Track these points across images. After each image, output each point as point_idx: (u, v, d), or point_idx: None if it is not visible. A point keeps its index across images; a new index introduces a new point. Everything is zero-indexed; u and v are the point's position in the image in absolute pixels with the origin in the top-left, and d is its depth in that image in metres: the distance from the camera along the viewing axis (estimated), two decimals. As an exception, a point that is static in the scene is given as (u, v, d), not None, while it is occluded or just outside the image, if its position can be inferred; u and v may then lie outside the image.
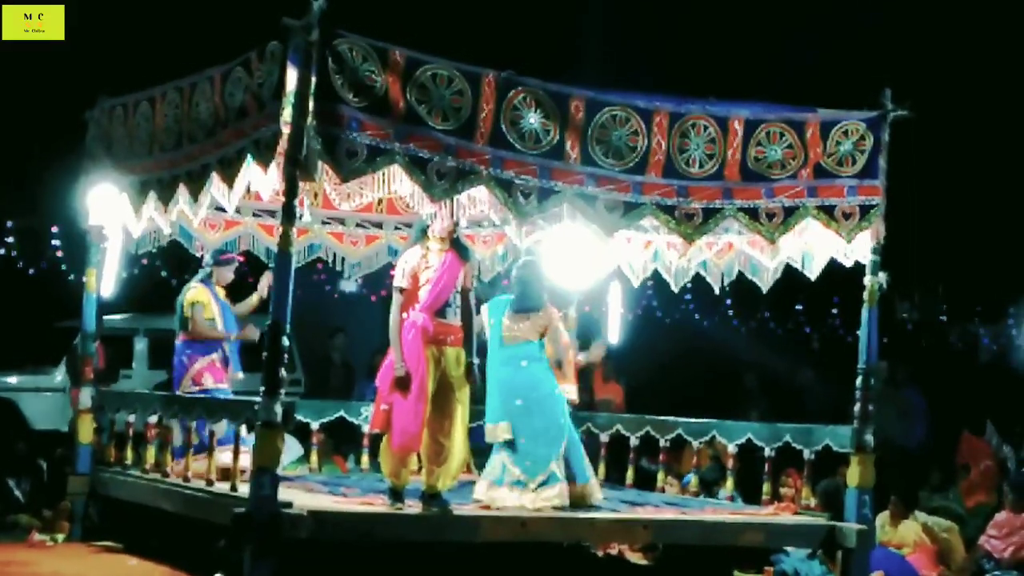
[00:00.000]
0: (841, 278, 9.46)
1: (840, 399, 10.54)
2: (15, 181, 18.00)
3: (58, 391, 15.91)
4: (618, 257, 10.33)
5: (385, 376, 8.11)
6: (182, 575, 8.60)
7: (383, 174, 8.02)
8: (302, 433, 10.61)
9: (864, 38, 17.93)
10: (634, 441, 10.45)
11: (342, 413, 10.45)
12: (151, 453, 9.46)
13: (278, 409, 7.44)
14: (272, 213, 10.07)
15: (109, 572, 8.86)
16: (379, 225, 11.13)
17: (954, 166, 18.24)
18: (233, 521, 7.43)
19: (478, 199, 8.68)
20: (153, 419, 9.42)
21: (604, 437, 10.66)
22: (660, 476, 10.47)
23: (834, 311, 21.15)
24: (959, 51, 18.15)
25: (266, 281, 9.72)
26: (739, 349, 19.82)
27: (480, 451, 9.23)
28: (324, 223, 10.97)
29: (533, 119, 8.03)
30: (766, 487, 9.55)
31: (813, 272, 9.45)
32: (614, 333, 11.18)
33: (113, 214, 9.69)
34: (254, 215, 10.58)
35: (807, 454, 9.21)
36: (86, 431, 9.97)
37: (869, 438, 8.78)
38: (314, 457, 10.51)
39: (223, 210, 9.70)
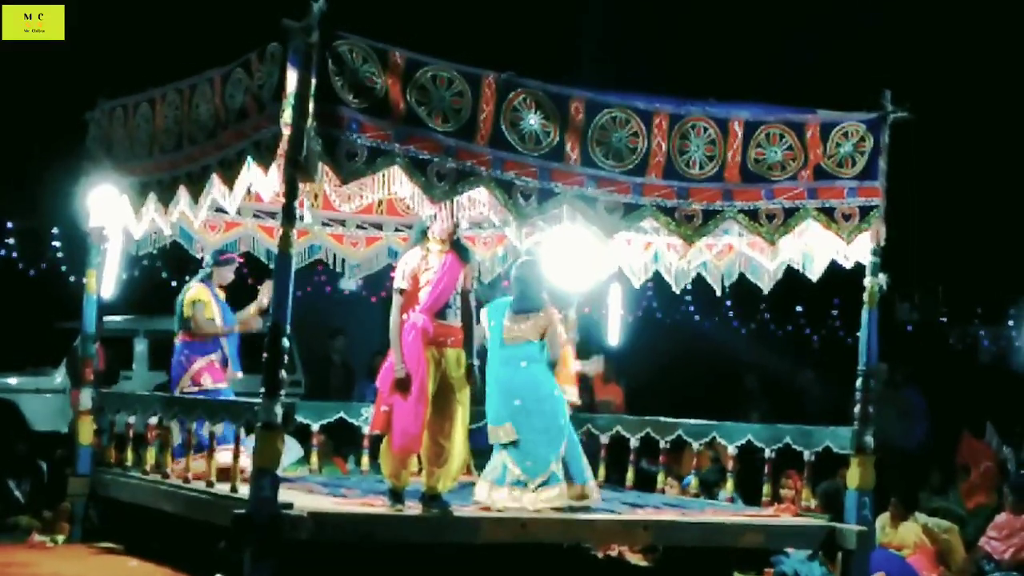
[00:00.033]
0: (841, 279, 9.46)
1: (840, 400, 10.56)
2: (15, 182, 18.00)
3: (58, 392, 15.92)
4: (618, 259, 10.33)
5: (385, 377, 8.11)
6: (182, 576, 8.63)
7: (383, 175, 8.03)
8: (302, 434, 10.61)
9: (864, 38, 17.93)
10: (634, 442, 10.45)
11: (342, 414, 10.44)
12: (151, 454, 9.46)
13: (278, 410, 7.45)
14: (272, 214, 10.07)
15: (109, 573, 8.86)
16: (379, 226, 11.13)
17: (954, 167, 18.24)
18: (233, 522, 7.44)
19: (478, 200, 8.68)
20: (153, 420, 9.42)
21: (604, 438, 10.66)
22: (660, 477, 10.46)
23: (834, 312, 21.16)
24: (959, 52, 18.15)
25: (266, 292, 9.71)
26: (739, 350, 19.83)
27: (480, 452, 9.23)
28: (324, 224, 10.97)
29: (533, 120, 8.03)
30: (766, 488, 9.55)
31: (814, 273, 9.45)
32: (614, 334, 11.18)
33: (113, 215, 9.69)
34: (254, 216, 10.58)
35: (807, 455, 9.21)
36: (86, 432, 9.97)
37: (869, 440, 8.78)
38: (314, 458, 10.51)
39: (224, 211, 9.70)
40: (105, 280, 10.09)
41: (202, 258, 10.40)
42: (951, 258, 19.15)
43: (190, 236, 10.37)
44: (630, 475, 10.50)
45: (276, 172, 7.82)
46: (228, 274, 10.29)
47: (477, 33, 15.87)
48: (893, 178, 8.82)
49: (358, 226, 11.08)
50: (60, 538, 9.94)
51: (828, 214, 8.75)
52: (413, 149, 7.69)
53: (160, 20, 17.05)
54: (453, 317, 8.21)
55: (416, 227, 8.52)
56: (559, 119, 8.09)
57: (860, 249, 8.93)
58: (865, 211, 8.77)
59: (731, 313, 21.28)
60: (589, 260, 9.57)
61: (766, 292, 10.03)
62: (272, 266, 8.10)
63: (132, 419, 9.93)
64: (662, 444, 10.23)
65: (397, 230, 11.05)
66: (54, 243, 18.72)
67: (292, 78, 7.48)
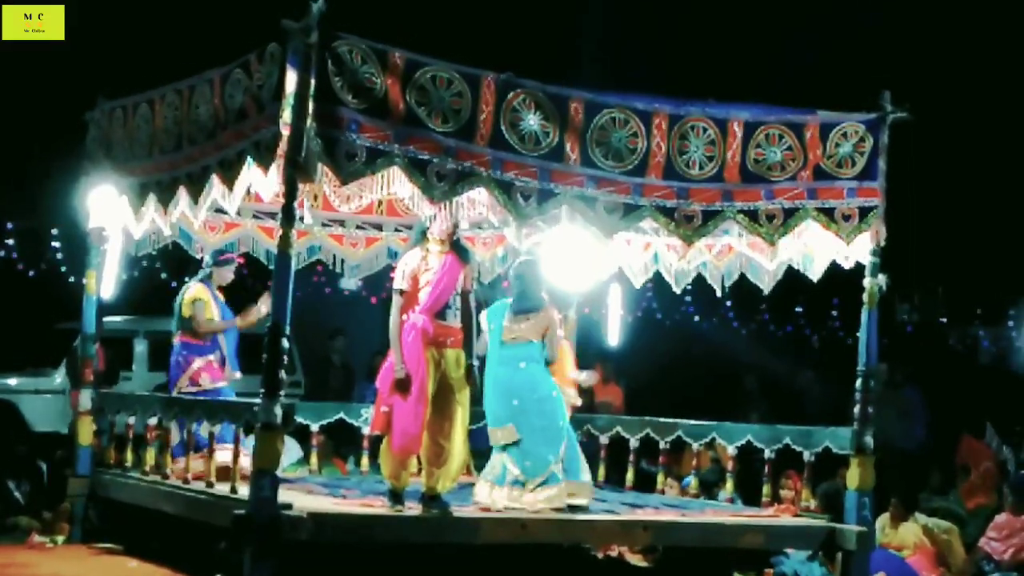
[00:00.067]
0: (841, 280, 9.46)
1: (840, 401, 10.56)
2: (15, 182, 18.00)
3: (58, 393, 15.93)
4: (618, 259, 10.33)
5: (385, 378, 8.11)
6: (182, 577, 8.63)
7: (383, 176, 8.02)
8: (302, 435, 10.61)
9: (864, 38, 17.93)
10: (634, 443, 10.45)
11: (342, 415, 10.44)
12: (151, 455, 9.46)
13: (278, 411, 7.45)
14: (272, 215, 10.07)
15: (109, 574, 8.86)
16: (379, 227, 11.13)
17: (954, 168, 18.24)
18: (233, 523, 7.44)
19: (477, 201, 8.68)
20: (153, 421, 9.42)
21: (604, 439, 10.67)
22: (660, 478, 10.46)
23: (834, 313, 21.16)
24: (959, 52, 18.15)
25: (265, 301, 9.70)
26: (739, 351, 19.82)
27: (480, 453, 9.23)
28: (324, 225, 10.97)
29: (533, 121, 8.03)
30: (766, 489, 9.54)
31: (815, 274, 9.44)
32: (614, 335, 11.18)
33: (113, 216, 9.69)
34: (254, 217, 10.58)
35: (807, 456, 9.21)
36: (86, 433, 9.97)
37: (869, 440, 8.78)
38: (314, 459, 10.50)
39: (223, 212, 9.70)
40: (105, 280, 10.08)
41: (201, 258, 10.40)
42: (951, 259, 19.15)
43: (189, 237, 10.37)
44: (630, 476, 10.50)
45: (276, 173, 7.82)
46: (228, 274, 10.30)
47: (476, 33, 15.87)
48: (893, 179, 8.81)
49: (358, 227, 11.08)
50: (60, 539, 9.94)
51: (828, 214, 8.75)
52: (413, 149, 7.68)
53: (160, 21, 17.05)
54: (453, 318, 8.21)
55: (416, 228, 8.51)
56: (558, 119, 8.09)
57: (860, 249, 8.93)
58: (865, 211, 8.76)
59: (731, 314, 21.28)
60: (589, 260, 9.57)
61: (766, 293, 10.03)
62: (272, 267, 8.10)
63: (132, 420, 9.93)
64: (662, 444, 10.23)
65: (397, 230, 11.05)
66: (54, 243, 18.73)
67: (291, 79, 7.47)
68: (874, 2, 17.91)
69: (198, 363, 9.96)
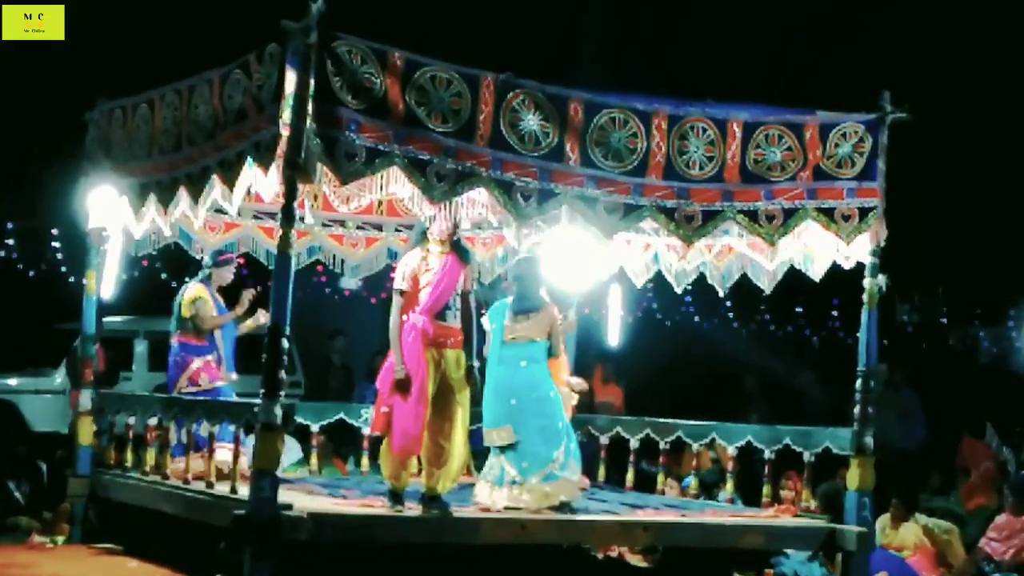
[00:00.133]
0: (841, 280, 9.46)
1: (840, 401, 10.56)
2: (15, 182, 18.00)
3: (58, 393, 15.93)
4: (618, 259, 10.33)
5: (385, 379, 8.11)
6: (182, 577, 8.63)
7: (382, 176, 8.03)
8: (302, 435, 10.61)
9: (864, 38, 17.93)
10: (634, 443, 10.44)
11: (342, 415, 10.42)
12: (151, 455, 9.46)
13: (278, 411, 7.44)
14: (272, 215, 10.06)
15: (109, 574, 8.86)
16: (379, 227, 11.13)
17: (954, 168, 18.25)
18: (233, 523, 7.44)
19: (477, 201, 8.68)
20: (153, 421, 9.42)
21: (604, 439, 10.66)
22: (660, 478, 10.46)
23: (834, 313, 21.16)
24: (958, 52, 18.15)
25: (264, 314, 9.68)
26: (739, 351, 19.83)
27: (480, 454, 9.22)
28: (325, 225, 10.97)
29: (532, 121, 8.03)
30: (766, 489, 9.54)
31: (815, 274, 9.44)
32: (614, 335, 11.18)
33: (113, 216, 9.69)
34: (254, 217, 10.58)
35: (807, 456, 9.20)
36: (86, 433, 9.97)
37: (869, 440, 8.77)
38: (314, 459, 10.50)
39: (223, 212, 9.70)
40: (105, 281, 10.08)
41: (201, 259, 10.40)
42: (951, 259, 19.16)
43: (189, 237, 10.37)
44: (630, 476, 10.49)
45: (276, 173, 7.81)
46: (227, 275, 10.30)
47: (476, 33, 15.87)
48: (892, 179, 8.82)
49: (358, 227, 11.09)
50: (60, 539, 9.94)
51: (827, 215, 8.75)
52: (412, 150, 7.68)
53: (159, 21, 17.05)
54: (453, 318, 8.21)
55: (416, 228, 8.51)
56: (558, 120, 8.09)
57: (860, 250, 8.93)
58: (864, 212, 8.76)
59: (731, 314, 21.28)
60: (589, 261, 9.57)
61: (767, 293, 10.02)
62: (272, 267, 8.10)
63: (132, 420, 9.93)
64: (662, 445, 10.23)
65: (397, 231, 11.06)
66: (54, 244, 18.71)
67: (291, 79, 7.47)
68: (874, 2, 17.91)
69: (197, 363, 9.97)
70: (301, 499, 8.10)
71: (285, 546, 7.41)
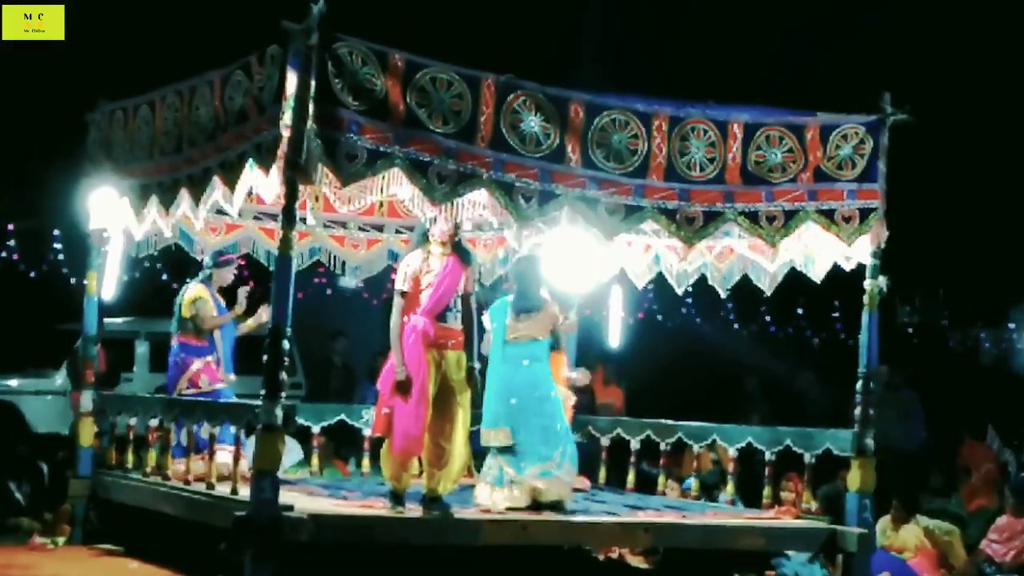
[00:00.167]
0: (842, 282, 9.46)
1: (840, 403, 10.55)
2: (16, 183, 18.00)
3: (59, 394, 15.91)
4: (619, 261, 10.33)
5: (386, 380, 8.11)
6: (182, 578, 8.63)
7: (383, 177, 8.01)
8: (303, 436, 10.61)
9: (864, 39, 17.93)
10: (635, 445, 10.44)
11: (343, 416, 10.41)
12: (152, 456, 9.46)
13: (279, 412, 7.45)
14: (273, 216, 10.06)
15: (110, 575, 8.86)
16: (380, 228, 11.13)
17: (954, 169, 18.24)
18: (234, 524, 7.44)
19: (477, 203, 8.68)
20: (154, 422, 9.42)
21: (605, 441, 10.66)
22: (661, 480, 10.45)
23: (835, 315, 21.16)
24: (959, 53, 18.15)
25: (266, 310, 9.69)
26: (740, 353, 19.81)
27: (481, 455, 9.21)
28: (326, 226, 10.97)
29: (533, 122, 8.04)
30: (767, 491, 9.53)
31: (817, 275, 9.44)
32: (615, 337, 11.17)
33: (114, 217, 9.69)
34: (255, 218, 10.57)
35: (808, 458, 9.20)
36: (87, 434, 9.97)
37: (870, 442, 8.77)
38: (315, 460, 10.49)
39: (224, 213, 9.70)
40: (106, 282, 10.08)
41: (202, 260, 10.40)
42: (952, 260, 19.15)
43: (190, 238, 10.36)
44: (631, 477, 10.49)
45: (277, 174, 7.81)
46: (228, 275, 10.30)
47: (476, 34, 15.86)
48: (893, 180, 8.82)
49: (359, 228, 11.08)
50: (61, 540, 9.94)
51: (828, 216, 8.75)
52: (413, 151, 7.68)
53: (160, 22, 17.04)
54: (454, 320, 8.21)
55: (417, 229, 8.52)
56: (559, 121, 8.09)
57: (861, 251, 8.92)
58: (865, 213, 8.76)
59: (731, 316, 21.28)
60: (589, 262, 9.57)
61: (768, 294, 10.02)
62: (272, 268, 8.10)
63: (133, 421, 9.93)
64: (663, 446, 10.22)
65: (398, 232, 11.05)
66: (55, 245, 18.72)
67: (292, 80, 7.47)
68: (874, 2, 17.91)
69: (197, 364, 9.96)
70: (302, 500, 8.10)
71: (286, 547, 7.41)
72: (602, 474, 10.71)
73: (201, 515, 8.45)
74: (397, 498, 8.16)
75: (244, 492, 7.94)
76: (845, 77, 14.94)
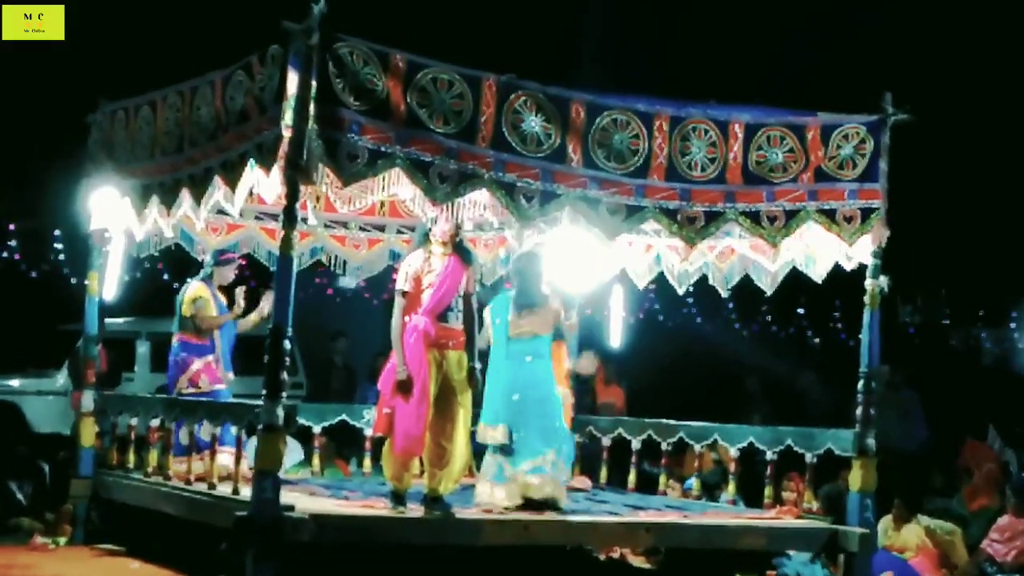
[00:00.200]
0: (843, 281, 9.45)
1: (842, 403, 10.55)
2: (16, 183, 18.00)
3: (60, 394, 15.89)
4: (620, 260, 10.33)
5: (387, 380, 8.11)
6: (184, 578, 8.63)
7: (384, 177, 8.02)
8: (304, 436, 10.62)
9: (864, 38, 17.93)
10: (636, 444, 10.44)
11: (344, 416, 10.41)
12: (153, 456, 9.47)
13: (280, 412, 7.45)
14: (274, 216, 10.07)
15: (111, 575, 8.86)
16: (381, 228, 11.14)
17: (955, 169, 18.23)
18: (235, 524, 7.44)
19: (478, 203, 8.68)
20: (155, 422, 9.42)
21: (606, 440, 10.66)
22: (662, 479, 10.46)
23: (836, 315, 21.15)
24: (960, 53, 18.14)
25: (268, 300, 9.71)
26: (741, 353, 19.81)
27: (482, 454, 9.22)
28: (327, 226, 10.97)
29: (534, 122, 8.04)
30: (768, 491, 9.54)
31: (818, 275, 9.44)
32: (616, 336, 11.17)
33: (115, 217, 9.69)
34: (256, 218, 10.58)
35: (809, 458, 9.20)
36: (88, 434, 9.97)
37: (871, 442, 8.77)
38: (316, 460, 10.49)
39: (225, 213, 9.70)
40: (107, 282, 10.09)
41: (203, 260, 10.40)
42: (953, 260, 19.15)
43: (191, 238, 10.37)
44: (632, 477, 10.50)
45: (278, 174, 7.81)
46: (229, 274, 10.30)
47: (477, 34, 15.86)
48: (894, 180, 8.82)
49: (360, 228, 11.09)
50: (62, 540, 9.93)
51: (829, 216, 8.75)
52: (414, 151, 7.69)
53: (161, 21, 17.04)
54: (455, 320, 8.21)
55: (419, 229, 8.53)
56: (560, 121, 8.10)
57: (862, 251, 8.92)
58: (866, 213, 8.76)
59: (733, 315, 21.27)
60: (591, 262, 9.57)
61: (769, 294, 10.02)
62: (273, 268, 8.10)
63: (134, 421, 9.93)
64: (664, 446, 10.23)
65: (399, 232, 11.06)
66: (56, 245, 18.72)
67: (293, 80, 7.47)
68: (874, 2, 17.90)
69: (197, 364, 9.97)
70: (303, 500, 8.11)
71: (287, 547, 7.41)
72: (603, 474, 10.71)
73: (202, 515, 8.45)
74: (398, 498, 8.16)
75: (245, 492, 7.94)
76: (846, 77, 14.93)
